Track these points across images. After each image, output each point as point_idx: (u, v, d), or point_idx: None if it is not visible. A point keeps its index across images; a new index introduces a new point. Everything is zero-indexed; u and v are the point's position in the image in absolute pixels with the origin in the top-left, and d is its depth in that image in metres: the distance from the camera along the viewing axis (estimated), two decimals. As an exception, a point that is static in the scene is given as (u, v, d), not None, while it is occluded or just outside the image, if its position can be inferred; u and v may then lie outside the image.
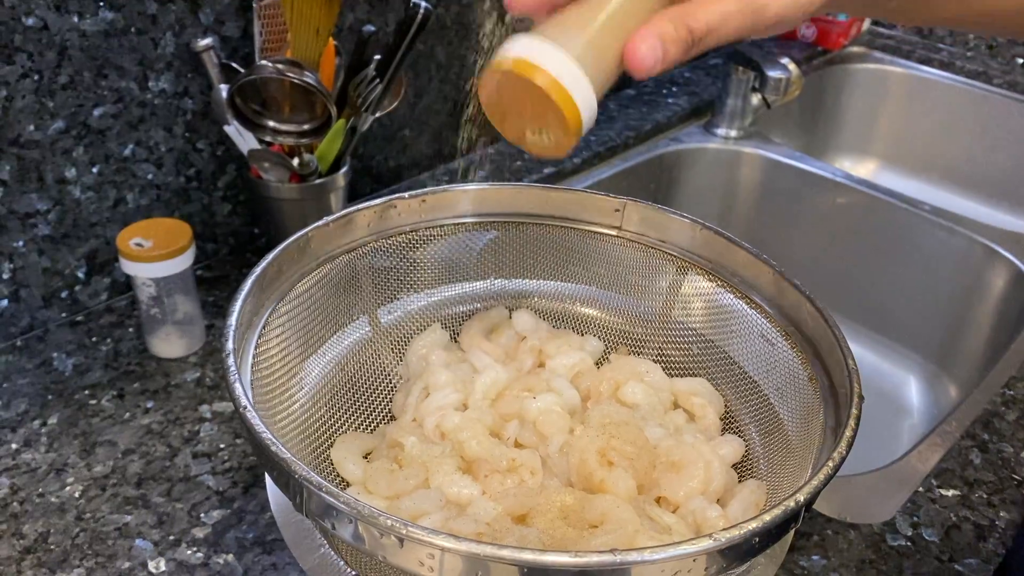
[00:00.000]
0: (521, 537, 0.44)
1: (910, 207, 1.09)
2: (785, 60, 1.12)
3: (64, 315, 0.83)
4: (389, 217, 0.57)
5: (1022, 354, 0.84)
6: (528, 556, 0.34)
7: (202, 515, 0.65)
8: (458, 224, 0.60)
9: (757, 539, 0.37)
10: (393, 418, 0.57)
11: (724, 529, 0.35)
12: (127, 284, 0.85)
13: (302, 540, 0.47)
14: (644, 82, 1.35)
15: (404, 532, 0.34)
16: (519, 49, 0.37)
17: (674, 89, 1.33)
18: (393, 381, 0.60)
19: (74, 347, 0.79)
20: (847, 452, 0.40)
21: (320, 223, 0.53)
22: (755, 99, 1.20)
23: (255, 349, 0.46)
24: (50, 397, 0.74)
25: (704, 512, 0.47)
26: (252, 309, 0.47)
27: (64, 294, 0.82)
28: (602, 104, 1.36)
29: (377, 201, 0.57)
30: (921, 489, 0.70)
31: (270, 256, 0.49)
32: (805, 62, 1.41)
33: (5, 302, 0.78)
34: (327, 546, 0.46)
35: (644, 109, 1.26)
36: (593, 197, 0.60)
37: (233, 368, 0.41)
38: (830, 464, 0.39)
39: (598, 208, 0.60)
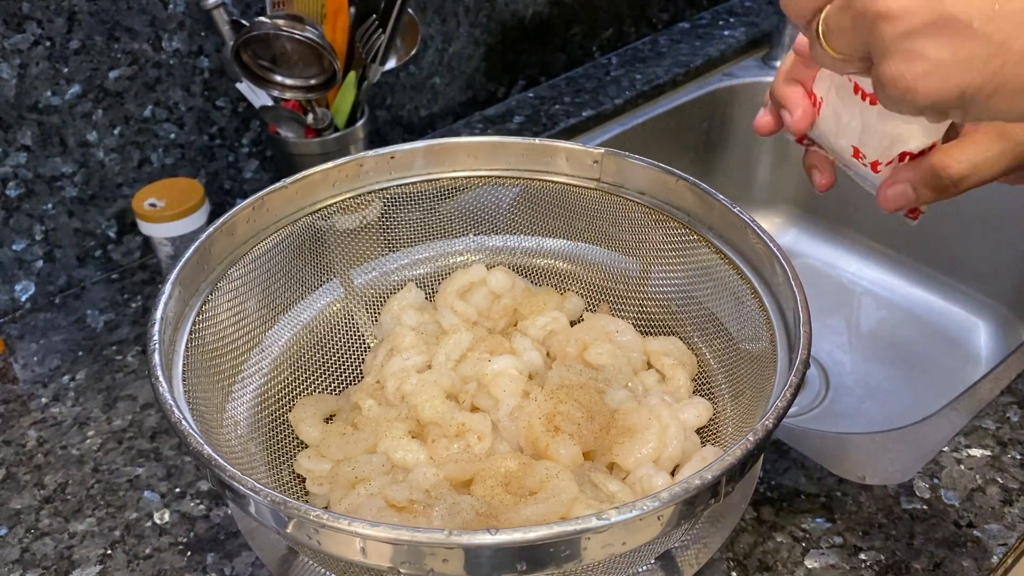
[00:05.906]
0: (453, 504, 0.43)
1: (981, 139, 1.01)
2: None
3: (100, 273, 0.86)
4: (358, 175, 0.56)
5: (1085, 301, 0.77)
6: (365, 530, 0.33)
7: (208, 468, 0.67)
8: (432, 180, 0.58)
9: (660, 517, 0.35)
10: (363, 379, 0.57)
11: (614, 507, 0.33)
12: (157, 242, 0.88)
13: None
14: (699, 14, 1.28)
15: (296, 512, 0.34)
16: None
17: (731, 20, 1.26)
18: (367, 343, 0.60)
19: (107, 304, 0.83)
20: (774, 425, 0.37)
21: (277, 185, 0.52)
22: (816, 27, 1.12)
23: (197, 316, 0.47)
24: (80, 353, 0.78)
25: (651, 480, 0.45)
26: (199, 275, 0.48)
27: (98, 253, 0.85)
28: (650, 39, 1.28)
29: (342, 160, 0.56)
30: (947, 448, 0.66)
31: (219, 221, 0.49)
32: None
33: (40, 262, 0.82)
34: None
35: (697, 43, 1.20)
36: (570, 148, 0.57)
37: (156, 339, 0.41)
38: (751, 438, 0.36)
39: (577, 159, 0.57)
